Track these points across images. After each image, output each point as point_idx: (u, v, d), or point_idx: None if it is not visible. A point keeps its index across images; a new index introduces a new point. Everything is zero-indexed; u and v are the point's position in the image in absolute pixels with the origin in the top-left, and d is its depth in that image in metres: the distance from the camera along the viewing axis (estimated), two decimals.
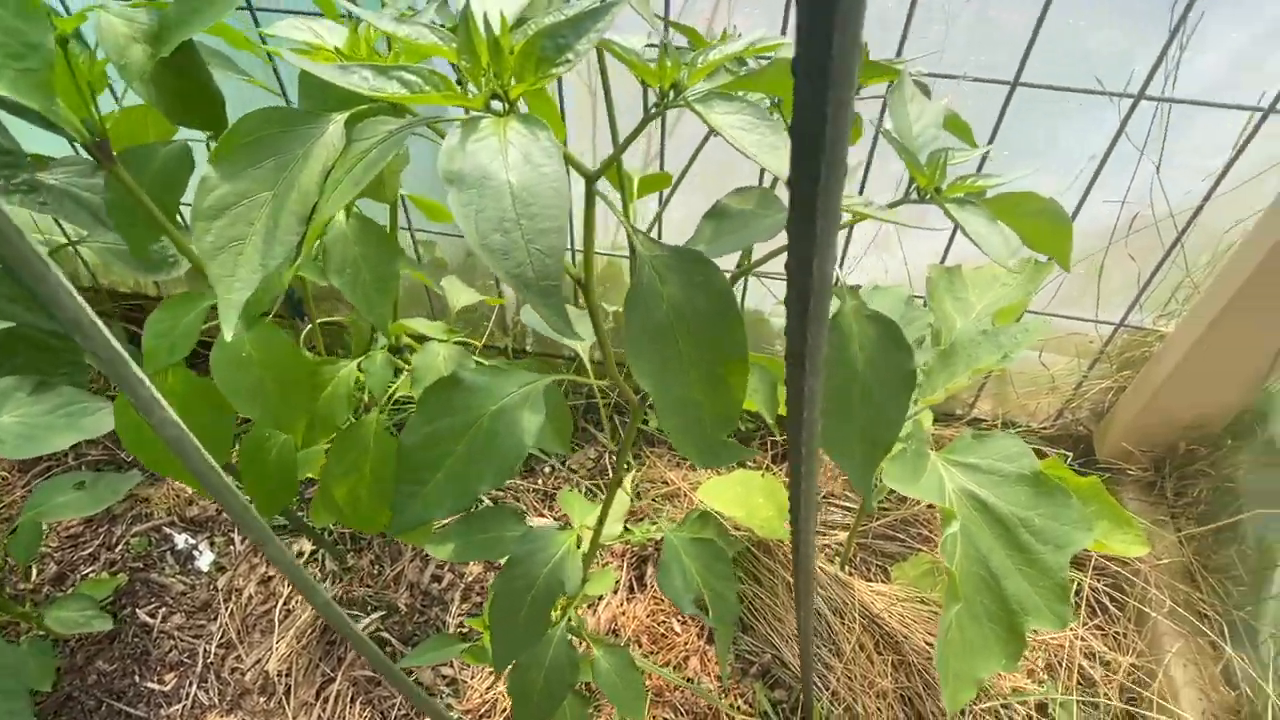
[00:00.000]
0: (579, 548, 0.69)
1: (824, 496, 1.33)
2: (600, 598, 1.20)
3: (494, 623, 0.66)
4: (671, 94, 0.39)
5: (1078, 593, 1.16)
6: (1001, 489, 0.80)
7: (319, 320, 0.95)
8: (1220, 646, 1.01)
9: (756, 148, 0.35)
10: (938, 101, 0.47)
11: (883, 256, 1.20)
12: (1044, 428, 1.29)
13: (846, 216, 0.40)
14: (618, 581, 1.22)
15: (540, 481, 1.39)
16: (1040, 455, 1.31)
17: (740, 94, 0.37)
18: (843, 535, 1.26)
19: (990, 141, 0.97)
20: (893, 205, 0.43)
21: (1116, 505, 0.91)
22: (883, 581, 1.21)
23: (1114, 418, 1.21)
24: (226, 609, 1.23)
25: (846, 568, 1.22)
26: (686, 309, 0.37)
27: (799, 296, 0.31)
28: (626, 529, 1.21)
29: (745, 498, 1.14)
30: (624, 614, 1.19)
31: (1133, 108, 0.91)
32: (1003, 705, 1.06)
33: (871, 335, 0.41)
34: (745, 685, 1.13)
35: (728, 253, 0.45)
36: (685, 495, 1.32)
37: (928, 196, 0.43)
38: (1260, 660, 0.96)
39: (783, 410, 0.39)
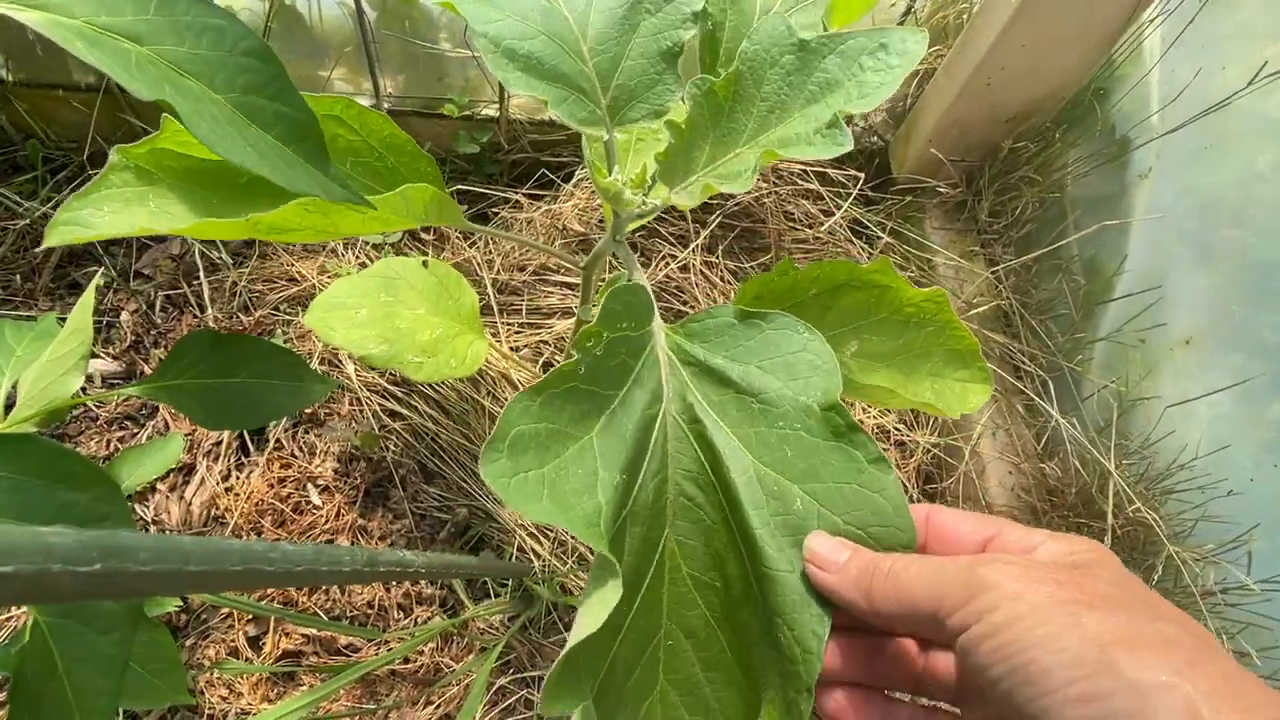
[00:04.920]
0: None
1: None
2: (184, 478, 0.76)
3: None
4: None
5: None
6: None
7: None
8: (1040, 407, 0.77)
9: None
10: None
11: None
12: None
13: None
14: (207, 448, 0.77)
15: None
16: (824, 180, 0.97)
17: None
18: (565, 324, 0.87)
19: None
20: None
21: (964, 331, 0.56)
22: None
23: (918, 117, 0.87)
24: None
25: None
26: None
27: None
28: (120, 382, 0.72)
29: (389, 311, 0.68)
30: (230, 490, 0.76)
31: None
32: None
33: None
34: None
35: None
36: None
37: None
38: (1085, 422, 0.73)
39: None
